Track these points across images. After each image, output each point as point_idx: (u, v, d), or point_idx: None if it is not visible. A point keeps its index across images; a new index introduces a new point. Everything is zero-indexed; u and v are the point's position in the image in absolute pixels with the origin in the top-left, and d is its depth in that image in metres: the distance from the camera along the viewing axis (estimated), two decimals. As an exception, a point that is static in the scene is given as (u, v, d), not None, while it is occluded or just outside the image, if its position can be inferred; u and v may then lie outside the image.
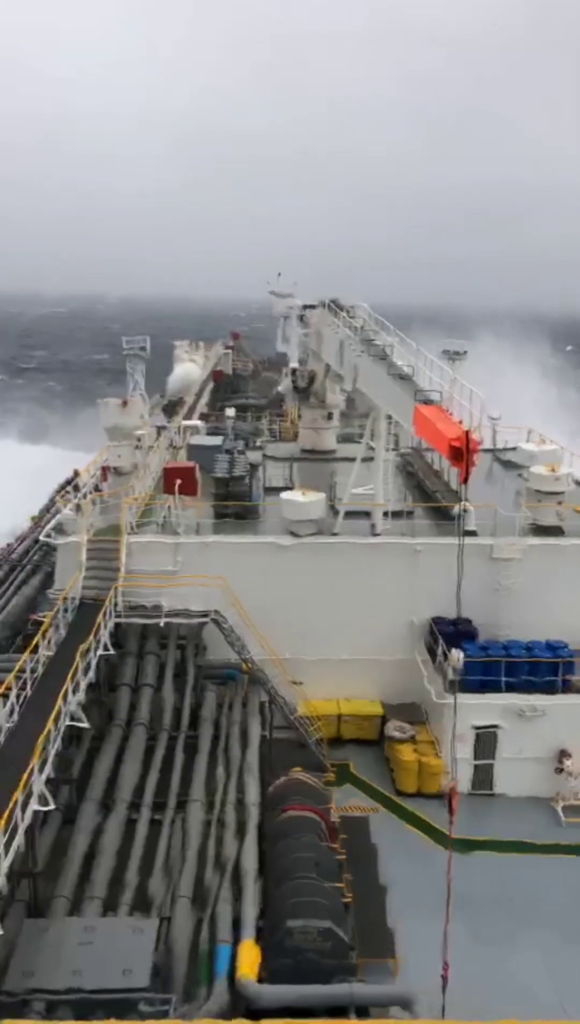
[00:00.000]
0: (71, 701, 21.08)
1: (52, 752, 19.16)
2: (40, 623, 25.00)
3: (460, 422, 20.80)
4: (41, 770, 18.15)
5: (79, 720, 21.52)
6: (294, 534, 28.96)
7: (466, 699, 25.46)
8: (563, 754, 26.19)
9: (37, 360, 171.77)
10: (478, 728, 26.16)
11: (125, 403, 35.60)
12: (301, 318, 43.16)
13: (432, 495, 33.13)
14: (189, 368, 62.41)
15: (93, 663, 23.35)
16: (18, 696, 20.59)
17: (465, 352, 36.18)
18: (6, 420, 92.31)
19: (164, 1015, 15.57)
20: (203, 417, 49.33)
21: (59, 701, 20.09)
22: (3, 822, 15.81)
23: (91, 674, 23.07)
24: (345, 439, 40.79)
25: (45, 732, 18.79)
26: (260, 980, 16.88)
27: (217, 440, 38.20)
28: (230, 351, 73.41)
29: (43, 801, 18.00)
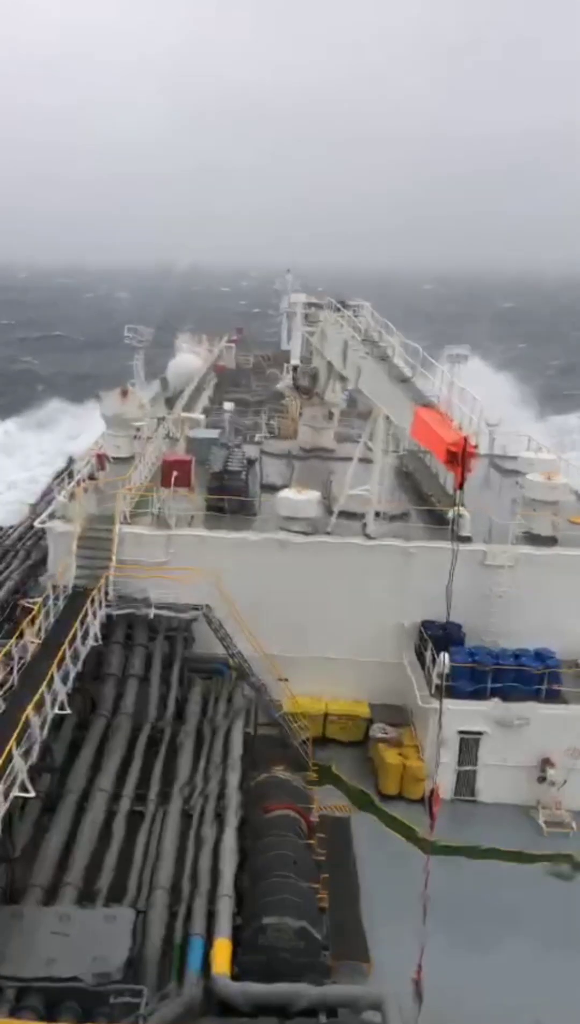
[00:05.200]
0: (57, 690, 21.04)
1: (37, 740, 19.13)
2: (29, 609, 24.95)
3: (458, 427, 20.77)
4: (24, 757, 18.11)
5: (63, 708, 21.47)
6: (288, 531, 28.92)
7: (451, 704, 25.47)
8: (546, 763, 26.20)
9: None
10: (462, 734, 26.15)
11: (125, 393, 35.54)
12: (305, 316, 43.10)
13: (428, 499, 33.10)
14: (189, 359, 62.23)
15: (81, 652, 23.31)
16: (3, 683, 20.55)
17: (466, 356, 36.17)
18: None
19: (136, 1007, 15.57)
20: (204, 411, 49.25)
21: (44, 689, 20.05)
22: None
23: (78, 663, 23.02)
24: (344, 438, 40.74)
25: (25, 719, 18.75)
26: (233, 976, 16.88)
27: (215, 434, 38.14)
28: (234, 345, 73.29)
29: (23, 788, 17.96)
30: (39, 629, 23.54)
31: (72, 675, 22.33)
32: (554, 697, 26.29)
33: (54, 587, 25.54)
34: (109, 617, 26.82)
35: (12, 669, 21.29)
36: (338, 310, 34.54)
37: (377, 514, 29.34)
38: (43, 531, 30.56)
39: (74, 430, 74.30)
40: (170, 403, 50.21)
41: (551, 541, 29.50)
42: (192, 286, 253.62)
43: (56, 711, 20.80)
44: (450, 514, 28.27)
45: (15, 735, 18.04)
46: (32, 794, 18.55)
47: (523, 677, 26.33)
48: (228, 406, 44.96)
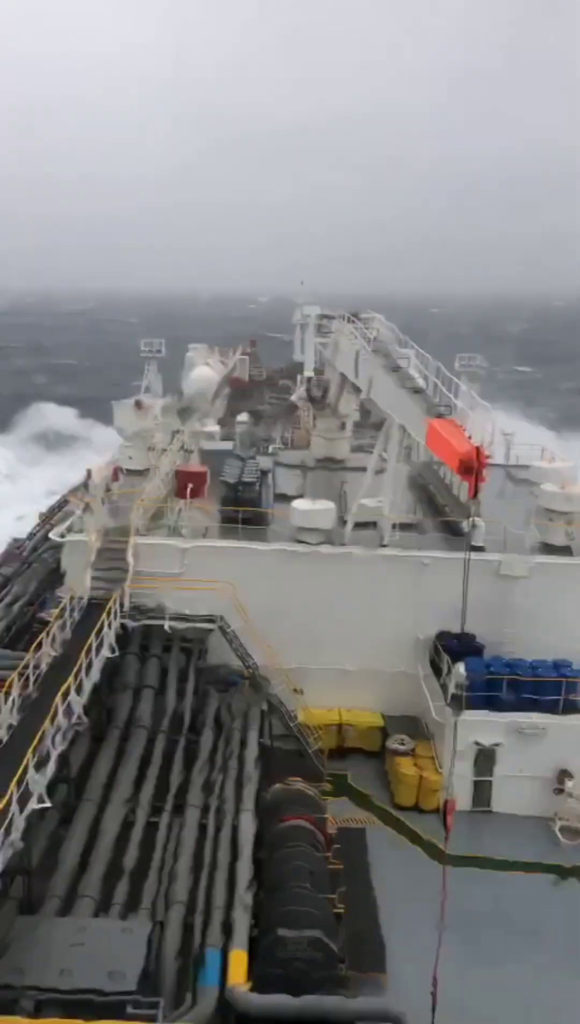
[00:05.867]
0: (74, 701, 21.12)
1: (54, 751, 19.21)
2: (46, 622, 25.07)
3: (471, 437, 20.79)
4: (39, 769, 18.19)
5: (79, 720, 21.57)
6: (302, 542, 28.95)
7: (467, 715, 25.42)
8: (564, 774, 26.03)
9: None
10: (478, 745, 26.04)
11: (139, 405, 35.74)
12: (318, 327, 43.27)
13: (442, 509, 33.06)
14: (205, 372, 62.47)
15: (96, 664, 23.40)
16: (21, 694, 20.66)
17: (481, 367, 36.17)
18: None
19: (152, 1019, 15.56)
20: (218, 423, 49.45)
21: (59, 700, 20.14)
22: (0, 818, 15.85)
23: (94, 674, 23.11)
24: (358, 449, 40.78)
25: (42, 731, 18.84)
26: (249, 988, 16.85)
27: (229, 445, 38.27)
28: (248, 357, 73.48)
29: (40, 799, 18.04)
30: (55, 641, 23.66)
31: (88, 687, 22.42)
32: (571, 708, 26.14)
33: (70, 599, 25.66)
34: (125, 629, 26.92)
35: (29, 681, 21.40)
36: (351, 321, 34.65)
37: (391, 525, 29.35)
38: (59, 544, 30.71)
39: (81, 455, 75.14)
40: (184, 415, 50.40)
41: (566, 551, 29.40)
42: (214, 312, 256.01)
43: (72, 723, 20.89)
44: (464, 524, 28.24)
45: (32, 747, 18.13)
46: (48, 805, 18.63)
47: (540, 688, 26.22)
48: (242, 418, 45.13)
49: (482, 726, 25.84)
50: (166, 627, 27.48)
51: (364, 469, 31.19)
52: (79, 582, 26.83)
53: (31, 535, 41.25)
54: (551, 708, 26.14)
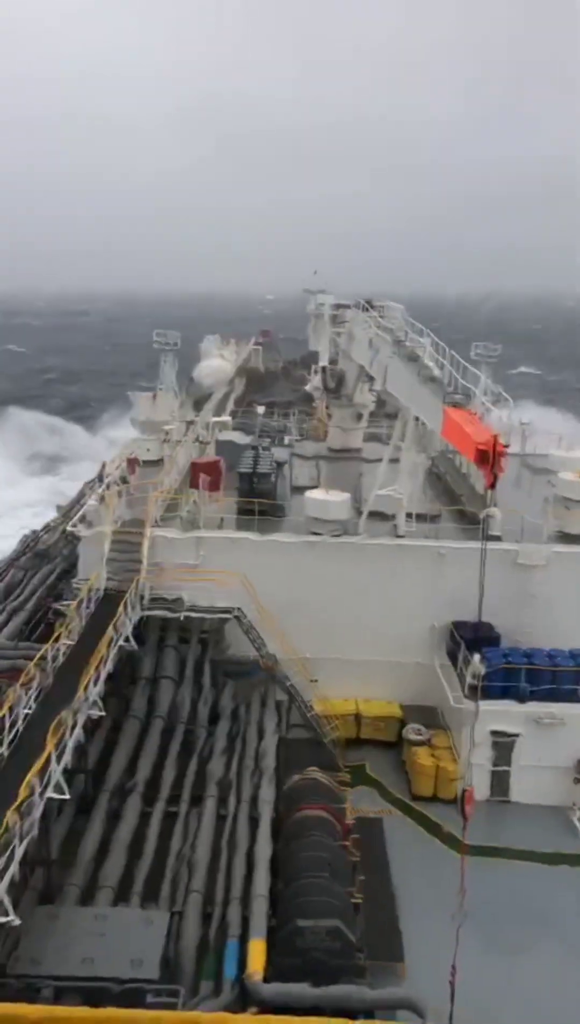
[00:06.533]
0: (91, 692, 21.20)
1: (70, 742, 19.29)
2: (60, 612, 25.16)
3: (488, 426, 20.64)
4: (59, 760, 18.27)
5: (97, 710, 21.64)
6: (318, 533, 28.91)
7: (485, 705, 25.30)
8: (582, 764, 25.94)
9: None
10: (496, 735, 25.97)
11: (155, 397, 35.77)
12: (333, 317, 43.09)
13: (459, 499, 32.91)
14: (219, 364, 62.51)
15: (113, 655, 23.47)
16: (39, 685, 20.75)
17: (497, 355, 35.91)
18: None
19: (172, 1007, 15.65)
20: (232, 414, 49.47)
21: (79, 691, 20.22)
22: (17, 810, 15.93)
23: (111, 665, 23.19)
24: (374, 439, 40.63)
25: (59, 721, 18.91)
26: (267, 978, 16.90)
27: (244, 437, 38.25)
28: (261, 347, 73.47)
29: (58, 790, 18.12)
30: (72, 632, 23.74)
31: (104, 677, 22.49)
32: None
33: (87, 591, 25.73)
34: (141, 620, 26.99)
35: (47, 672, 21.48)
36: (366, 310, 34.49)
37: (407, 515, 29.25)
38: (75, 535, 30.81)
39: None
40: (199, 406, 50.45)
41: None
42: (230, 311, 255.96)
43: (90, 713, 20.98)
44: (481, 514, 28.08)
45: (50, 738, 18.21)
46: (67, 796, 18.72)
47: (558, 677, 26.10)
48: (259, 410, 45.08)
49: (500, 716, 25.77)
50: (182, 618, 27.52)
51: (380, 460, 31.08)
52: (95, 574, 26.89)
53: (47, 528, 41.43)
54: (569, 697, 26.04)
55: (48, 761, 17.57)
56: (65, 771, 18.69)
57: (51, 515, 44.76)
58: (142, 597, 27.01)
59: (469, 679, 25.72)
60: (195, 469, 31.38)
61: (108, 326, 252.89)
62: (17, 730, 19.12)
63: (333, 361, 43.57)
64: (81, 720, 20.19)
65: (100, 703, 21.77)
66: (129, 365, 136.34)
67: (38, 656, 21.72)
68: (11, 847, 15.36)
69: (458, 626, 28.02)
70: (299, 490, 32.31)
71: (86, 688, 20.77)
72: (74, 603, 24.96)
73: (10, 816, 15.55)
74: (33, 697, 20.34)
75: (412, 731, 27.77)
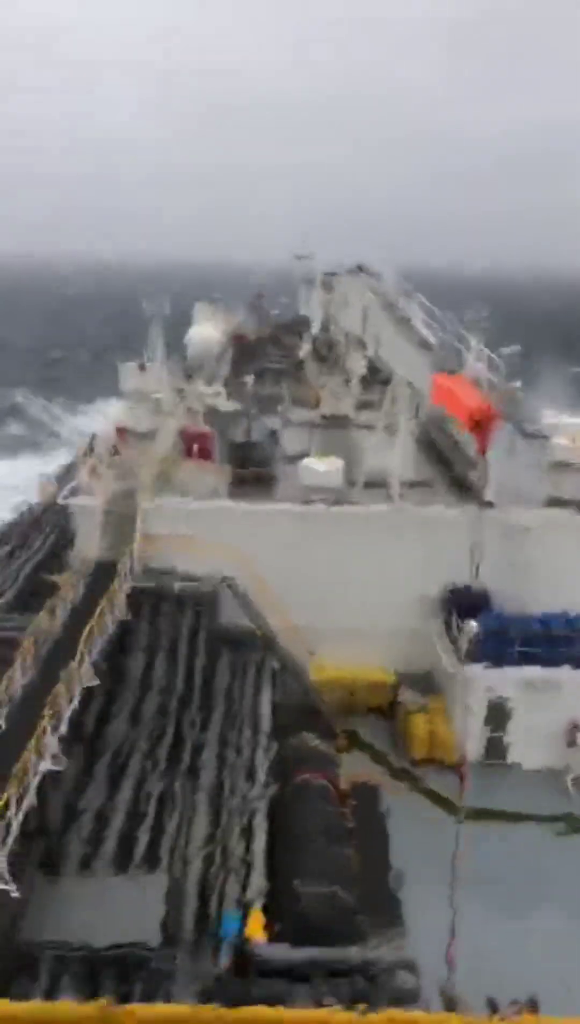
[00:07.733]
0: (86, 663, 21.19)
1: (66, 713, 19.30)
2: (53, 584, 25.08)
3: (481, 393, 20.50)
4: (55, 730, 18.28)
5: (92, 681, 21.65)
6: (311, 501, 28.80)
7: (479, 670, 25.41)
8: (576, 728, 26.11)
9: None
10: (491, 699, 26.09)
11: (142, 367, 35.39)
12: (324, 284, 42.68)
13: (451, 465, 32.80)
14: (207, 331, 61.79)
15: (108, 626, 23.43)
16: (34, 657, 20.72)
17: (487, 320, 35.54)
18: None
19: (171, 972, 15.78)
20: (225, 383, 49.02)
21: (74, 662, 20.20)
22: (16, 780, 15.95)
23: (106, 636, 23.16)
24: (366, 406, 40.33)
25: (54, 692, 18.91)
26: (266, 941, 17.02)
27: (236, 405, 37.97)
28: (256, 309, 72.42)
29: (56, 760, 18.15)
30: (66, 604, 23.68)
31: (99, 648, 22.47)
32: (583, 661, 26.15)
33: (80, 562, 25.64)
34: (135, 590, 26.93)
35: (42, 643, 21.44)
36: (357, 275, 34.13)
37: (400, 482, 29.14)
38: (66, 507, 30.65)
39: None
40: (189, 375, 49.96)
41: (577, 505, 29.19)
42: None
43: (85, 684, 20.98)
44: (474, 480, 28.03)
45: (46, 708, 18.21)
46: (64, 767, 18.74)
47: (552, 641, 26.19)
48: (248, 378, 44.70)
49: (494, 680, 25.88)
50: (176, 588, 27.47)
51: (373, 427, 30.90)
52: (88, 545, 26.79)
53: (39, 503, 41.12)
54: (563, 661, 26.15)
55: (45, 731, 17.57)
56: (62, 740, 18.72)
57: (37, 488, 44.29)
58: (135, 568, 26.93)
59: (463, 644, 25.82)
60: (187, 438, 31.17)
61: (99, 291, 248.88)
62: (14, 701, 19.12)
63: (324, 328, 43.24)
64: (78, 691, 20.19)
65: (94, 673, 21.77)
66: (113, 337, 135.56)
67: (32, 626, 21.67)
68: (9, 817, 15.39)
69: (452, 592, 28.05)
70: (292, 459, 32.15)
71: (82, 659, 20.75)
72: (66, 575, 24.89)
73: (9, 787, 15.56)
74: (29, 668, 20.33)
75: (406, 696, 27.90)
